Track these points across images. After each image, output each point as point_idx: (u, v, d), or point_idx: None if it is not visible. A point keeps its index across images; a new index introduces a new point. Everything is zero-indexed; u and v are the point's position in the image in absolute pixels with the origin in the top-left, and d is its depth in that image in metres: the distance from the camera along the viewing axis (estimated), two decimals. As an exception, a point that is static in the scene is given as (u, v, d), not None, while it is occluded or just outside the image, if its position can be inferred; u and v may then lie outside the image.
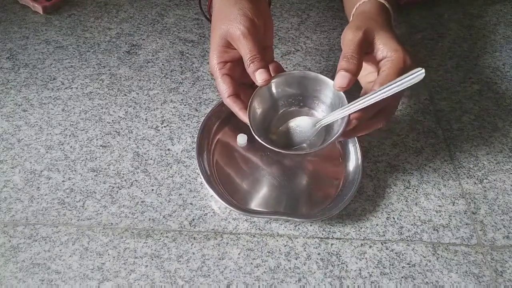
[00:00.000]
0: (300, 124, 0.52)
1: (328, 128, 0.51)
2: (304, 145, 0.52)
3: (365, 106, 0.44)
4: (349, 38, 0.46)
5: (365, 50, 0.47)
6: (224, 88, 0.50)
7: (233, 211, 0.53)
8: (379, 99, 0.43)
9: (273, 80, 0.50)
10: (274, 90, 0.52)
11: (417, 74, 0.41)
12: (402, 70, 0.45)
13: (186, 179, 0.57)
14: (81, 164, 0.57)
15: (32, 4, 0.76)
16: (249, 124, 0.48)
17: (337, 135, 0.46)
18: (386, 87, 0.43)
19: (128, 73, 0.68)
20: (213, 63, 0.51)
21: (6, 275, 0.48)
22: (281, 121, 0.53)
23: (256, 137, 0.48)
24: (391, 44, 0.46)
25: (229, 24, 0.48)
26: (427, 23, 0.80)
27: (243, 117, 0.49)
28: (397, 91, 0.42)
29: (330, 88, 0.49)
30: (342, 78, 0.45)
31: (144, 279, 0.48)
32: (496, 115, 0.66)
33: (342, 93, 0.47)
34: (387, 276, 0.50)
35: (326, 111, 0.52)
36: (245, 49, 0.48)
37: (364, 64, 0.49)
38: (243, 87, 0.52)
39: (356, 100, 0.45)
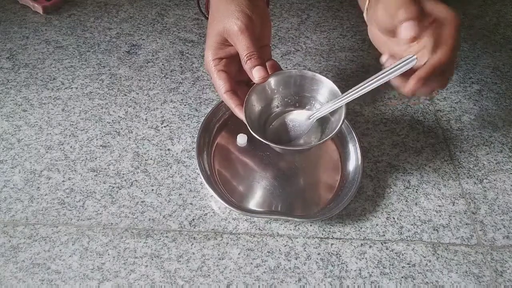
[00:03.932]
0: (295, 118, 0.52)
1: (325, 125, 0.51)
2: (301, 141, 0.52)
3: (359, 95, 0.46)
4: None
5: None
6: (220, 84, 0.50)
7: (233, 211, 0.53)
8: (372, 88, 0.45)
9: (270, 78, 0.50)
10: (271, 88, 0.52)
11: (410, 60, 0.43)
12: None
13: (186, 179, 0.57)
14: (81, 164, 0.57)
15: (32, 4, 0.76)
16: (244, 121, 0.49)
17: (336, 130, 0.47)
18: (380, 74, 0.45)
19: (128, 73, 0.68)
20: (208, 60, 0.50)
21: (6, 275, 0.48)
22: (276, 120, 0.53)
23: (253, 133, 0.48)
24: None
25: (227, 20, 0.48)
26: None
27: (239, 113, 0.49)
28: (391, 77, 0.44)
29: (327, 87, 0.50)
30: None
31: (144, 279, 0.48)
32: (496, 115, 0.66)
33: (339, 92, 0.48)
34: (387, 276, 0.50)
35: None
36: (242, 46, 0.47)
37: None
38: (240, 84, 0.52)
39: (350, 90, 0.46)
